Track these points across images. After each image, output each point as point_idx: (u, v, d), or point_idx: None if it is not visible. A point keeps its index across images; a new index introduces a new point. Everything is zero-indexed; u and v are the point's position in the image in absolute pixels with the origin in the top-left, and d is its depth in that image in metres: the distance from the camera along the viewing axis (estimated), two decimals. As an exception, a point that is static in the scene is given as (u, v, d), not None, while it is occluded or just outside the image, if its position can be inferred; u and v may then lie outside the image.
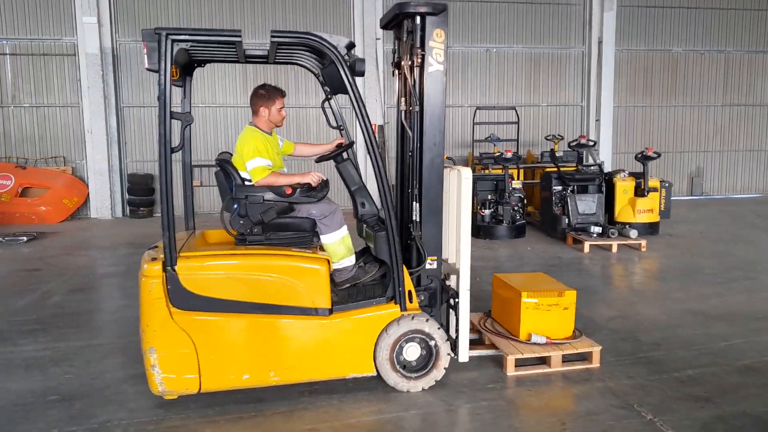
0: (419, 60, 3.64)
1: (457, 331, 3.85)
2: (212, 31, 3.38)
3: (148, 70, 3.24)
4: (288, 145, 4.31)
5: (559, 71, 13.48)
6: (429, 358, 3.64)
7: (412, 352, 3.62)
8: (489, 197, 8.96)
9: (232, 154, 3.95)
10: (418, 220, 3.78)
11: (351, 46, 3.59)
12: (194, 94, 11.39)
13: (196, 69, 4.16)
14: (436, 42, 3.64)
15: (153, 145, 11.88)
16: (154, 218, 11.64)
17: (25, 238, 8.94)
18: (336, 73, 3.44)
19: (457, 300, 3.82)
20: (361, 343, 3.57)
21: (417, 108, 3.71)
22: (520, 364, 3.93)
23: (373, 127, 13.05)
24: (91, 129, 11.46)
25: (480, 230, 8.80)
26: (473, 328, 4.35)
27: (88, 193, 11.64)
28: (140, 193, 11.69)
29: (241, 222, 3.72)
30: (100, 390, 3.70)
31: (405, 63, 3.76)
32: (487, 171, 10.34)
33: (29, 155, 11.63)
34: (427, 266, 3.81)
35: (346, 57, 3.45)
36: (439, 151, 3.73)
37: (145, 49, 3.20)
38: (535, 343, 3.99)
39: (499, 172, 9.35)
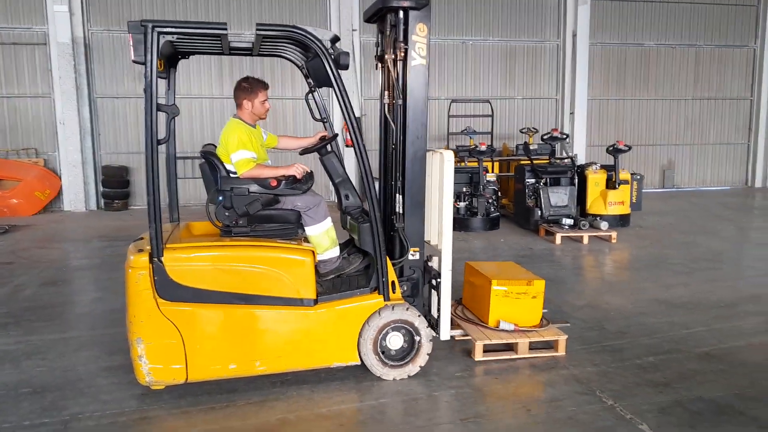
0: (402, 54, 3.71)
1: (438, 310, 3.96)
2: (199, 23, 3.39)
3: (134, 62, 3.24)
4: (272, 138, 4.34)
5: (534, 64, 13.63)
6: (412, 346, 3.73)
7: (395, 341, 3.70)
8: (464, 190, 9.04)
9: (216, 146, 3.96)
10: (401, 212, 3.86)
11: (335, 39, 3.63)
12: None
13: (180, 61, 4.17)
14: (419, 36, 3.70)
15: (128, 137, 11.80)
16: (128, 211, 11.54)
17: (-4, 231, 8.82)
18: (321, 66, 3.48)
19: (439, 280, 3.92)
20: (345, 333, 3.65)
21: (400, 101, 3.78)
22: (488, 349, 4.04)
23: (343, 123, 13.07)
24: (63, 120, 11.29)
25: (455, 222, 8.80)
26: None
27: (61, 186, 11.48)
28: (115, 186, 11.56)
29: (227, 214, 3.74)
30: (73, 382, 3.71)
31: (388, 57, 3.81)
32: (462, 164, 10.43)
33: (0, 146, 11.42)
34: (410, 257, 3.90)
35: (331, 50, 3.49)
36: (422, 144, 3.81)
37: (131, 41, 3.21)
38: (503, 330, 4.09)
39: (475, 165, 9.44)
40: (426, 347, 3.74)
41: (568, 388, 3.59)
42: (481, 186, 8.87)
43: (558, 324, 4.31)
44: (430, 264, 4.07)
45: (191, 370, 3.39)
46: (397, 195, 3.90)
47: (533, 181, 8.90)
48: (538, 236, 8.49)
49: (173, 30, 3.24)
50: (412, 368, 3.74)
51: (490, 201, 9.00)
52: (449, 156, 3.84)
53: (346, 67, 3.53)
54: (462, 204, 8.95)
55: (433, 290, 4.08)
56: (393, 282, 3.71)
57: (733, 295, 5.52)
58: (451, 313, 4.50)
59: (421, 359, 3.75)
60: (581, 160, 13.05)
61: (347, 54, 3.55)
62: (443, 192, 3.87)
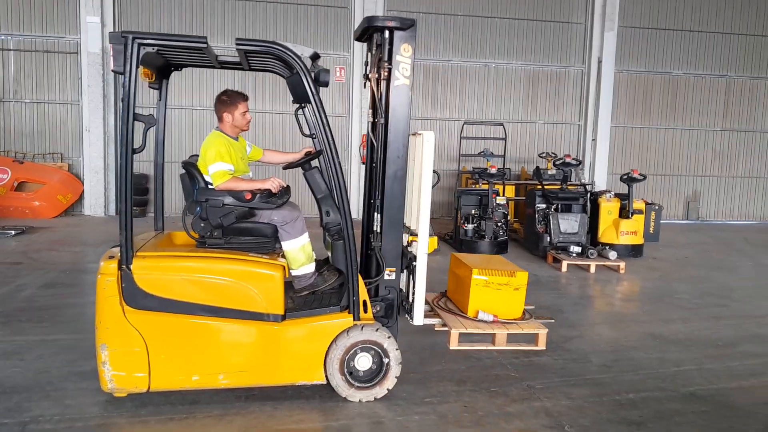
0: (386, 73, 3.71)
1: (413, 294, 3.90)
2: (179, 36, 3.46)
3: (114, 71, 3.32)
4: (256, 151, 4.37)
5: (558, 89, 13.51)
6: (380, 368, 3.66)
7: (363, 362, 3.64)
8: (473, 212, 8.96)
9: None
10: (378, 230, 3.82)
11: (316, 56, 3.66)
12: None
13: (173, 72, 4.25)
14: (404, 56, 3.70)
15: (149, 145, 12.01)
16: (146, 218, 11.72)
17: (12, 232, 9.06)
18: (300, 82, 3.50)
19: (414, 263, 3.87)
20: (312, 351, 3.60)
21: (382, 120, 3.77)
22: (465, 340, 3.95)
23: (362, 137, 13.09)
24: (89, 127, 11.62)
25: (462, 244, 8.81)
26: (427, 307, 4.40)
27: (83, 191, 11.77)
28: (134, 192, 11.76)
29: (202, 225, 3.77)
30: (42, 385, 3.75)
31: (372, 75, 3.83)
32: (477, 185, 10.35)
33: (27, 150, 11.80)
34: (386, 277, 3.85)
35: (311, 67, 3.52)
36: (402, 164, 3.78)
37: (111, 52, 3.29)
38: (481, 320, 3.99)
39: (487, 187, 9.36)
40: (395, 370, 3.67)
41: (535, 421, 3.47)
42: (490, 209, 8.77)
43: (541, 319, 4.21)
44: (409, 249, 4.00)
45: (154, 379, 3.40)
46: (376, 213, 3.88)
47: (544, 206, 8.77)
48: (545, 263, 8.33)
49: (153, 42, 3.30)
50: (380, 391, 3.67)
51: (499, 224, 8.88)
52: (429, 137, 3.79)
53: (325, 85, 3.55)
54: (470, 226, 8.86)
55: (409, 275, 4.02)
56: (365, 301, 3.67)
57: (734, 333, 5.30)
58: (433, 303, 4.44)
59: (389, 382, 3.68)
60: (602, 187, 12.84)
61: (327, 71, 3.56)
62: (422, 174, 3.81)
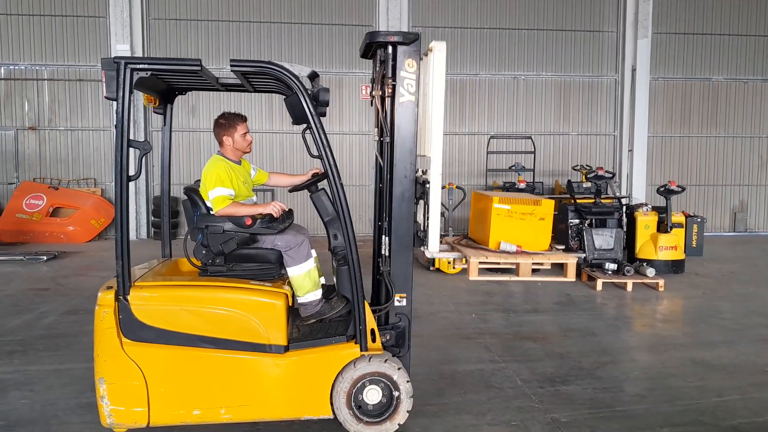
0: (390, 90, 3.54)
1: (426, 219, 3.65)
2: (172, 60, 3.38)
3: (107, 98, 3.25)
4: (261, 175, 4.25)
5: (591, 99, 13.12)
6: (390, 402, 3.45)
7: (372, 396, 3.44)
8: (502, 229, 8.67)
9: None
10: (387, 254, 3.63)
11: (314, 75, 3.55)
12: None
13: (177, 96, 4.19)
14: (408, 72, 3.53)
15: (179, 169, 12.15)
16: (176, 240, 11.81)
17: (44, 258, 9.21)
18: (298, 102, 3.37)
19: (428, 186, 3.63)
20: (317, 384, 3.42)
21: (388, 139, 3.60)
22: (485, 272, 3.69)
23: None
24: (121, 152, 11.78)
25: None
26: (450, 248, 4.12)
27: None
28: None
29: (203, 252, 3.67)
30: (47, 418, 3.67)
31: (376, 93, 3.66)
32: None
33: (63, 176, 12.07)
34: (396, 303, 3.65)
35: (310, 87, 3.39)
36: (410, 184, 3.58)
37: (103, 78, 3.22)
38: (504, 251, 3.72)
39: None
40: (406, 404, 3.44)
41: (559, 460, 3.20)
42: (520, 226, 8.46)
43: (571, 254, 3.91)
44: (422, 176, 3.76)
45: (154, 413, 3.27)
46: (384, 236, 3.69)
47: (577, 221, 8.40)
48: (580, 280, 7.94)
49: (146, 67, 3.21)
50: (390, 426, 3.44)
51: (530, 241, 8.56)
52: (440, 47, 3.54)
53: (326, 104, 3.41)
54: (500, 244, 8.56)
55: (424, 205, 3.77)
56: (372, 330, 3.47)
57: (784, 358, 4.89)
58: (453, 243, 4.15)
59: (401, 416, 3.45)
60: (641, 200, 12.35)
61: (327, 90, 3.42)
62: (434, 91, 3.57)
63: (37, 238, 11.10)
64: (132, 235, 11.86)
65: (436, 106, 3.62)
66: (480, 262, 3.69)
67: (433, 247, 3.62)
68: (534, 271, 3.52)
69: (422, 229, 3.88)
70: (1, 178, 12.08)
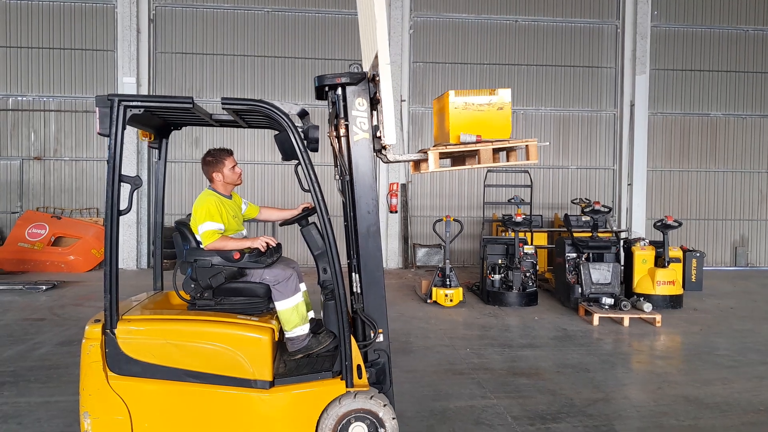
0: (344, 130, 3.58)
1: (381, 113, 3.50)
2: (164, 97, 3.48)
3: (100, 134, 3.34)
4: (252, 209, 4.30)
5: (590, 134, 13.23)
6: None
7: None
8: (499, 261, 8.68)
9: None
10: (359, 291, 3.64)
11: (303, 113, 3.61)
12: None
13: (172, 131, 4.28)
14: (359, 111, 3.56)
15: (182, 199, 12.22)
16: (170, 272, 11.85)
17: (44, 287, 9.24)
18: (287, 139, 3.44)
19: (377, 77, 3.47)
20: (302, 421, 3.40)
21: (347, 177, 3.63)
22: (446, 157, 3.72)
23: (396, 186, 12.99)
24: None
25: (489, 296, 8.51)
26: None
27: (117, 244, 11.99)
28: (166, 246, 11.76)
29: (192, 286, 3.70)
30: (32, 452, 3.65)
31: (330, 133, 3.69)
32: (507, 233, 10.09)
33: (66, 206, 12.19)
34: (376, 339, 3.64)
35: (299, 124, 3.46)
36: (374, 218, 3.61)
37: (97, 114, 3.31)
38: (463, 143, 3.69)
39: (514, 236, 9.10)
40: (392, 439, 3.43)
41: (544, 501, 3.16)
42: (517, 258, 8.48)
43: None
44: (376, 78, 3.56)
45: (137, 449, 3.26)
46: (354, 273, 3.69)
47: (574, 255, 8.42)
48: (576, 315, 7.93)
49: (139, 104, 3.31)
50: (377, 465, 3.42)
51: (528, 274, 8.56)
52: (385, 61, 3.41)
53: (315, 141, 3.46)
54: (497, 276, 8.57)
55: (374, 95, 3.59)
56: (359, 366, 3.47)
57: (779, 397, 4.84)
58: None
59: (388, 453, 3.43)
60: (640, 233, 12.36)
61: (317, 128, 3.49)
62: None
63: (38, 267, 11.16)
64: (133, 265, 11.93)
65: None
66: (440, 153, 3.73)
67: (390, 139, 3.49)
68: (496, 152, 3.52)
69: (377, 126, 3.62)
70: (5, 207, 12.22)
